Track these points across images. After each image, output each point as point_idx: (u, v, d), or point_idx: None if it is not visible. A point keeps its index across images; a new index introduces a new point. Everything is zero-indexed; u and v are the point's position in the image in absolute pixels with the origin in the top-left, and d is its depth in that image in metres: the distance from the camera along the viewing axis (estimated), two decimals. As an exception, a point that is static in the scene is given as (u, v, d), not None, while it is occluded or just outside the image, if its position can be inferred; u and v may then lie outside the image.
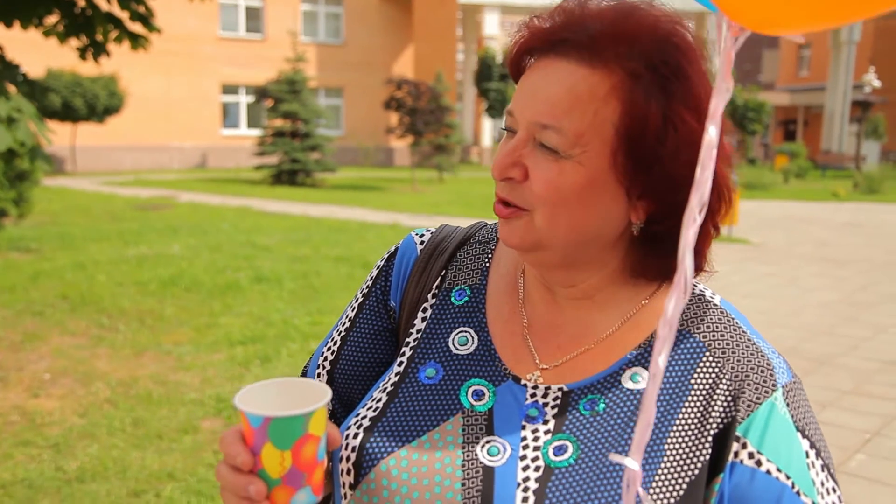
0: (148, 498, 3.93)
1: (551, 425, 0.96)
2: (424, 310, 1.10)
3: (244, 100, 31.15)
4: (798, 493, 0.90)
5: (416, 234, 1.18)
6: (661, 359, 0.73)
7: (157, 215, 14.78)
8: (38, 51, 15.23)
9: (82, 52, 6.24)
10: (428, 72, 28.09)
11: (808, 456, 0.92)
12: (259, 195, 19.39)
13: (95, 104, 23.95)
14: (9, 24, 5.64)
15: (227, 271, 9.16)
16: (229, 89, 31.06)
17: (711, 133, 0.71)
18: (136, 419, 4.90)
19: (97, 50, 6.22)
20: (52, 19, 5.95)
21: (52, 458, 4.37)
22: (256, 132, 26.69)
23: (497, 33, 35.05)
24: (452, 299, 1.10)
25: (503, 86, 33.47)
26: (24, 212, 10.42)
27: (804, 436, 0.93)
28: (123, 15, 6.06)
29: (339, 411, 1.14)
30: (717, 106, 0.71)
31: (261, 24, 31.57)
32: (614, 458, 0.83)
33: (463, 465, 0.95)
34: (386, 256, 1.18)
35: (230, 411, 5.03)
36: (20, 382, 5.54)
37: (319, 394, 0.87)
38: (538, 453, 0.94)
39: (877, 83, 35.20)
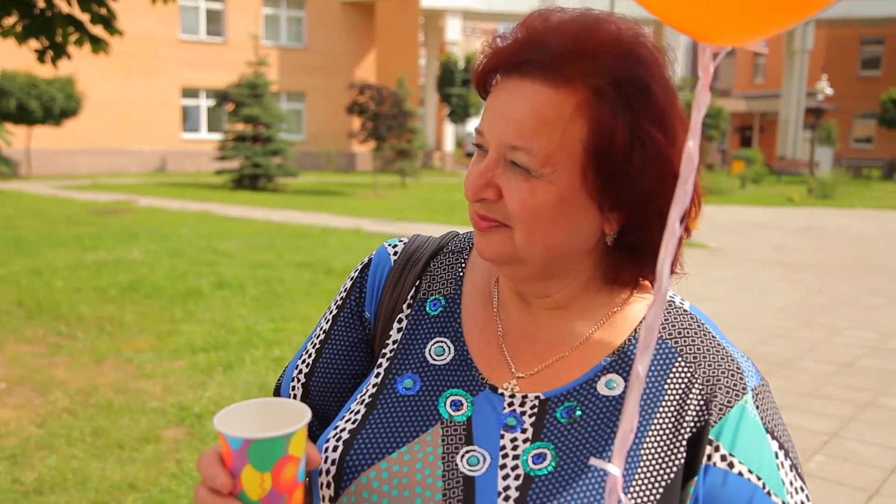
0: (109, 509, 3.87)
1: (529, 433, 0.97)
2: (400, 320, 1.10)
3: (204, 103, 30.83)
4: (769, 493, 0.92)
5: (389, 245, 1.18)
6: (641, 367, 0.74)
7: (115, 220, 14.56)
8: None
9: (41, 55, 6.12)
10: (390, 77, 28.08)
11: (777, 457, 0.95)
12: (220, 200, 19.21)
13: (52, 106, 23.52)
14: (-35, 26, 5.53)
15: (189, 277, 9.06)
16: (189, 93, 30.71)
17: (691, 146, 0.71)
18: (95, 429, 4.82)
19: (57, 52, 6.11)
20: (10, 20, 5.82)
21: (8, 469, 4.27)
22: (217, 136, 26.45)
23: (459, 39, 35.18)
24: (427, 309, 1.10)
25: (465, 91, 33.62)
26: (-23, 217, 10.21)
27: (773, 437, 0.96)
28: (84, 17, 5.95)
29: (315, 425, 1.13)
30: (697, 120, 0.72)
31: (222, 27, 31.29)
32: (596, 462, 0.83)
33: (444, 476, 0.95)
34: (359, 267, 1.17)
35: (192, 420, 4.97)
36: (-25, 392, 5.42)
37: (299, 414, 0.86)
38: (517, 462, 0.95)
39: (829, 91, 35.94)
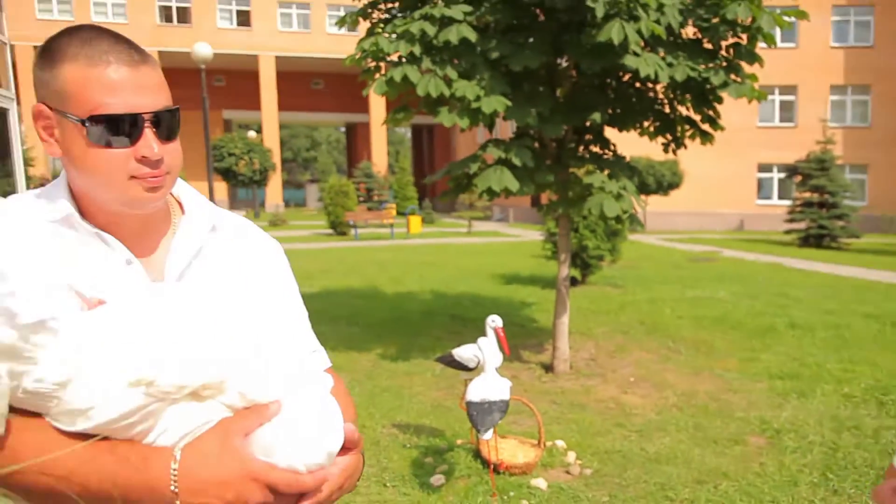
0: (708, 488, 3.86)
1: None
2: None
3: (776, 176, 28.92)
4: None
5: None
6: None
7: (705, 266, 14.55)
8: (621, 143, 16.37)
9: (666, 146, 6.52)
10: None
11: None
12: (788, 255, 17.69)
13: (662, 181, 24.78)
14: (621, 130, 6.20)
15: (764, 316, 8.56)
16: (764, 168, 29.17)
17: None
18: (696, 424, 4.88)
19: (676, 144, 6.44)
20: (646, 123, 6.34)
21: (637, 440, 4.59)
22: (786, 202, 24.54)
23: None
24: None
25: None
26: (615, 258, 11.25)
27: None
28: (696, 117, 6.18)
29: None
30: None
31: (793, 115, 29.02)
32: None
33: None
34: None
35: (772, 433, 4.67)
36: (614, 381, 5.97)
37: None
38: None
39: None
